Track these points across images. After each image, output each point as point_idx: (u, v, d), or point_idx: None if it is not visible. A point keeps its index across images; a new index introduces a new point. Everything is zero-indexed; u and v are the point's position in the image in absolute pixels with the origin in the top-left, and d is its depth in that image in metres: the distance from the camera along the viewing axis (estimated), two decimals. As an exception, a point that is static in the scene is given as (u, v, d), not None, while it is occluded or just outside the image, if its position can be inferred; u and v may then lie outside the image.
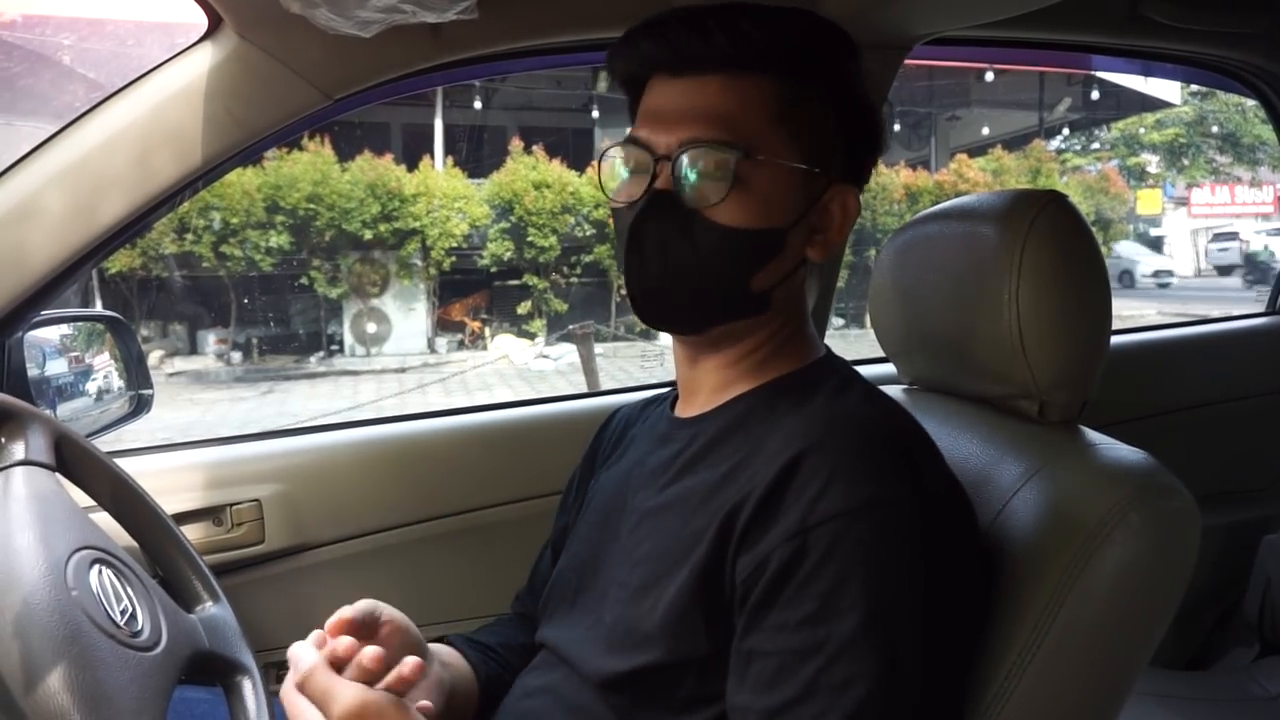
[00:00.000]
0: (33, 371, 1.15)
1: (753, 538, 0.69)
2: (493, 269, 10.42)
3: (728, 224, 0.75)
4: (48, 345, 1.22)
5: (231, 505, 1.25)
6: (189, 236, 9.26)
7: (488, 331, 10.74)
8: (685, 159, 0.74)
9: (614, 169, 0.81)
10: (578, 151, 10.46)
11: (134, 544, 0.88)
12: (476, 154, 11.15)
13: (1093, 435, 0.83)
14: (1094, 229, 0.85)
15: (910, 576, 0.67)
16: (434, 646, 0.88)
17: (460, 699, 0.86)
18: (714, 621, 0.71)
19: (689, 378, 0.85)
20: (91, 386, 1.29)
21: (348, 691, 0.66)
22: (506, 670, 0.91)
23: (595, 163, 0.84)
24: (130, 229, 1.10)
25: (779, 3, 0.78)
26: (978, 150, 13.03)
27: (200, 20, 1.10)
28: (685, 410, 0.85)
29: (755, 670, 0.67)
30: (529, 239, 10.07)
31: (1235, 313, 2.11)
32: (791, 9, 0.78)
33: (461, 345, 10.65)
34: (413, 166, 10.11)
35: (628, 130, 0.81)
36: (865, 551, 0.65)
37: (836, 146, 0.79)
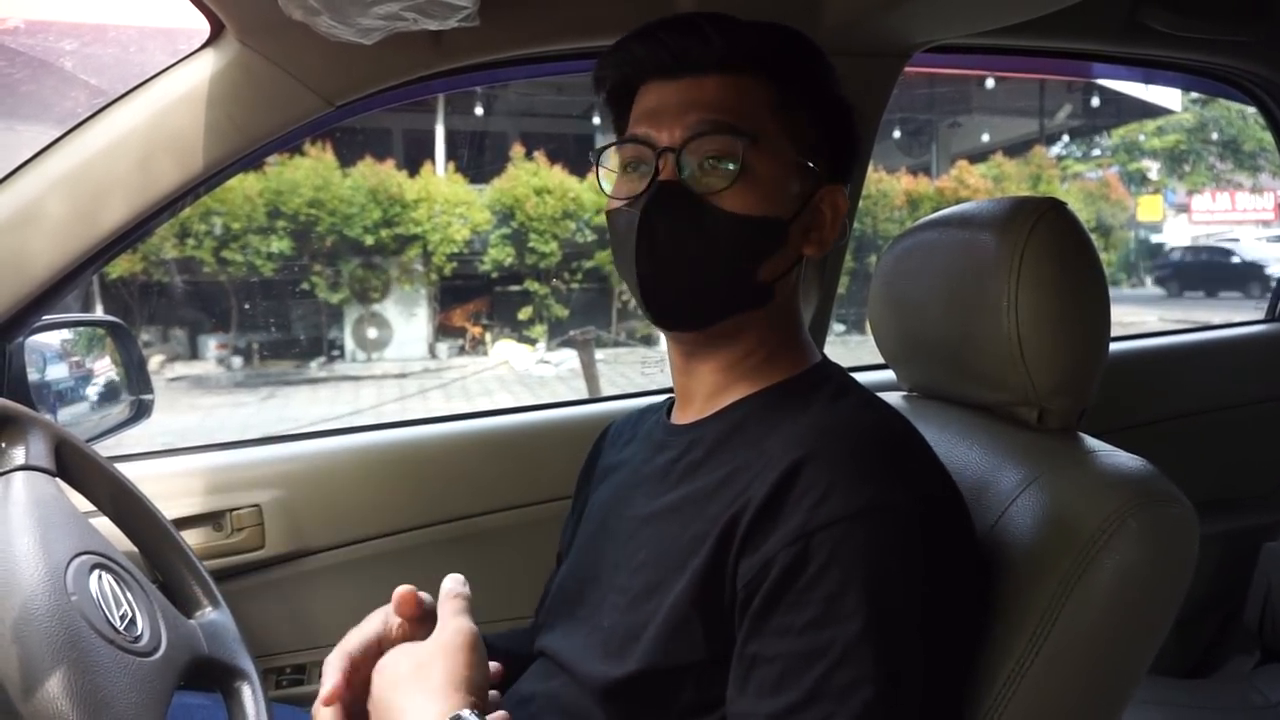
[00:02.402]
0: (33, 376, 1.15)
1: (754, 543, 0.69)
2: (494, 274, 10.42)
3: (736, 211, 0.76)
4: (49, 350, 1.22)
5: (232, 510, 1.26)
6: (190, 241, 9.26)
7: (488, 337, 10.74)
8: (692, 148, 0.76)
9: (611, 169, 0.83)
10: (579, 157, 10.46)
11: (134, 549, 0.88)
12: (478, 160, 11.16)
13: (1091, 442, 0.83)
14: (1094, 236, 0.85)
15: (912, 580, 0.67)
16: None
17: None
18: (713, 627, 0.71)
19: (684, 384, 0.85)
20: (92, 391, 1.29)
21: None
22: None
23: (594, 164, 0.85)
24: (132, 234, 1.11)
25: (780, 11, 0.79)
26: (978, 157, 13.04)
27: (203, 26, 1.10)
28: (681, 417, 0.85)
29: (758, 675, 0.67)
30: (530, 245, 10.07)
31: (1236, 319, 2.12)
32: (773, 24, 0.81)
33: (462, 350, 10.64)
34: (414, 172, 10.12)
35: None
36: (868, 556, 0.66)
37: (823, 147, 0.81)
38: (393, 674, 0.71)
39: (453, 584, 0.76)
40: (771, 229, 0.78)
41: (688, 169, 0.76)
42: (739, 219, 0.76)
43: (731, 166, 0.75)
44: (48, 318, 1.15)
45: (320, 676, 1.35)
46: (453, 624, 0.73)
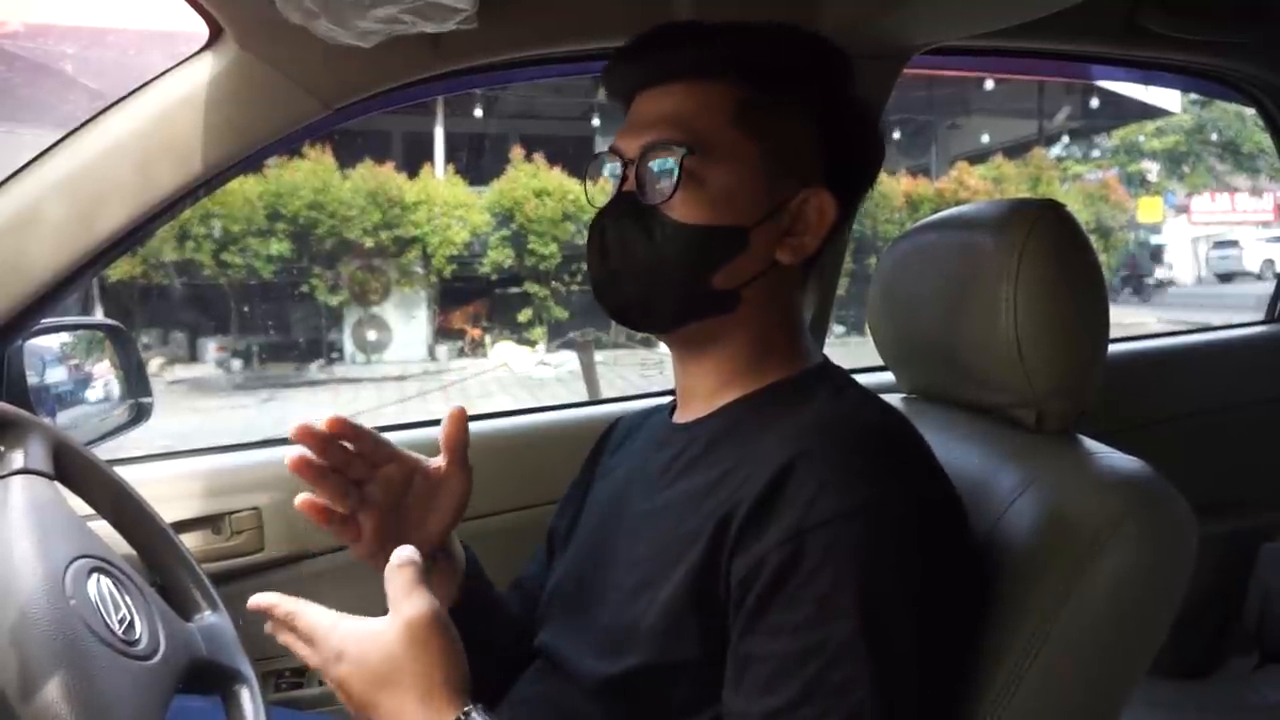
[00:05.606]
0: (32, 379, 1.15)
1: (748, 541, 0.69)
2: (493, 276, 10.42)
3: (682, 220, 0.77)
4: (48, 353, 1.22)
5: (230, 513, 1.26)
6: (190, 244, 9.26)
7: (488, 339, 10.74)
8: (645, 159, 0.78)
9: (598, 179, 0.84)
10: (578, 159, 10.48)
11: (133, 552, 0.88)
12: (477, 162, 11.16)
13: (1090, 444, 0.83)
14: (1094, 237, 0.85)
15: (906, 579, 0.67)
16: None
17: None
18: (707, 624, 0.71)
19: (684, 383, 0.86)
20: (91, 394, 1.29)
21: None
22: (487, 602, 0.93)
23: (585, 174, 0.87)
24: (131, 237, 1.11)
25: (778, 13, 0.79)
26: (978, 158, 13.05)
27: (201, 30, 1.10)
28: (683, 416, 0.85)
29: (752, 673, 0.67)
30: (530, 247, 10.07)
31: (1235, 320, 2.12)
32: (774, 24, 0.80)
33: (462, 353, 10.64)
34: (413, 174, 10.13)
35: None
36: (861, 554, 0.66)
37: (815, 152, 0.80)
38: (363, 666, 0.67)
39: (406, 551, 0.71)
40: (725, 237, 0.77)
41: (643, 180, 0.78)
42: (687, 228, 0.77)
43: (672, 178, 0.76)
44: (47, 321, 1.15)
45: (320, 682, 1.35)
46: (407, 609, 0.68)
